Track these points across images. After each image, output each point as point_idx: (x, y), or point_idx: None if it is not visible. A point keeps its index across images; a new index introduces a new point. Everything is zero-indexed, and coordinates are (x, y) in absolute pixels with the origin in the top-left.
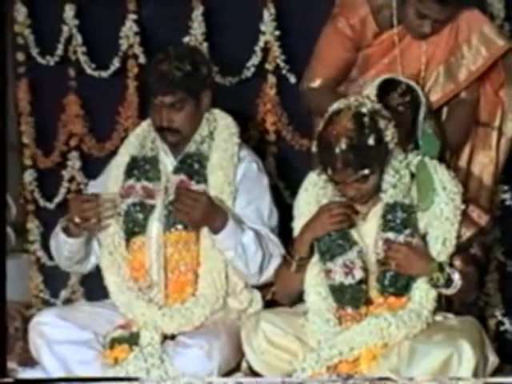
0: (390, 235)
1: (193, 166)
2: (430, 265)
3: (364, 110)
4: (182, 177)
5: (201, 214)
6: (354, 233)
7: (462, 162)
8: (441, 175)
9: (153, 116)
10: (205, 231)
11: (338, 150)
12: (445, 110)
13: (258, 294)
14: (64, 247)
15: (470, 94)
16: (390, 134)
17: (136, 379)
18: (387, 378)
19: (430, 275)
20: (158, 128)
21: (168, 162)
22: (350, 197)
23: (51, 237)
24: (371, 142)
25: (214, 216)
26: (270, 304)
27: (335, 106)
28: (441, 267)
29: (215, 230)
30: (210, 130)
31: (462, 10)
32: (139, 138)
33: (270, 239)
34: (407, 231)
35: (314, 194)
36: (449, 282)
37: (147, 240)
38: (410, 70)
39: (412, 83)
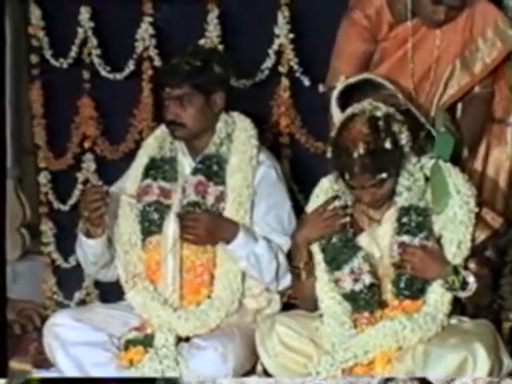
0: (406, 238)
1: (211, 168)
2: (445, 268)
3: (379, 113)
4: (201, 178)
5: (204, 232)
6: (365, 237)
7: (477, 162)
8: (455, 178)
9: (163, 111)
10: None
11: (355, 155)
12: (459, 106)
13: (276, 296)
14: (88, 251)
15: (485, 89)
16: (404, 137)
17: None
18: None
19: (445, 278)
20: (167, 122)
21: (186, 163)
22: (366, 202)
23: (76, 246)
24: (388, 145)
25: (220, 230)
26: (287, 306)
27: (349, 110)
28: (456, 270)
29: (226, 242)
30: (229, 132)
31: (476, 2)
32: (158, 140)
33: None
34: (422, 234)
35: (325, 198)
36: (464, 285)
37: (163, 240)
38: (422, 64)
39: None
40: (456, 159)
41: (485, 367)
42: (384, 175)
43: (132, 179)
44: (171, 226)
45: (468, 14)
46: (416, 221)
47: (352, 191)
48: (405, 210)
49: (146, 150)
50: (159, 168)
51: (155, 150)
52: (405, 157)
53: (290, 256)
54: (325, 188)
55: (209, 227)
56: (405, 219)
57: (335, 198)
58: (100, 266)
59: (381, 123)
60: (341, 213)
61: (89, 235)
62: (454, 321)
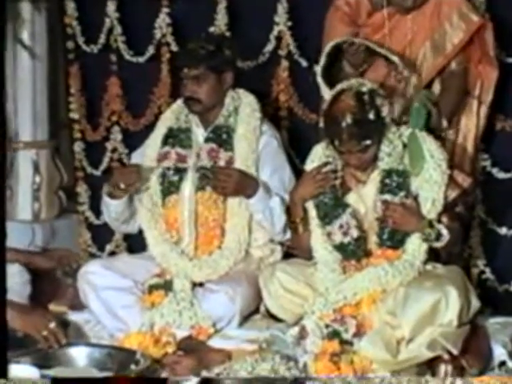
0: (388, 197)
1: (221, 137)
2: (422, 222)
3: (364, 89)
4: (213, 145)
5: (233, 187)
6: (352, 196)
7: (451, 131)
8: (429, 145)
9: (181, 88)
10: None
11: (344, 124)
12: (436, 82)
13: (278, 247)
14: (110, 209)
15: (460, 66)
16: (385, 109)
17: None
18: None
19: (422, 231)
20: (185, 98)
21: (199, 132)
22: (353, 165)
23: (102, 205)
24: (371, 116)
25: (245, 186)
26: (286, 255)
27: (339, 86)
28: (431, 224)
29: (248, 196)
30: (235, 105)
31: None
32: (175, 113)
33: None
34: (402, 193)
35: (322, 157)
36: (438, 237)
37: (180, 199)
38: (397, 47)
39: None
40: (434, 130)
41: (456, 307)
42: (368, 142)
43: (152, 147)
44: (187, 187)
45: (436, 2)
46: (396, 181)
47: (341, 156)
48: (386, 173)
49: (164, 122)
50: (176, 137)
51: (172, 121)
52: (385, 127)
53: (288, 212)
54: (318, 154)
55: (238, 182)
56: (387, 180)
57: (327, 163)
58: (121, 222)
59: (366, 97)
60: (331, 175)
61: (112, 196)
62: (429, 267)
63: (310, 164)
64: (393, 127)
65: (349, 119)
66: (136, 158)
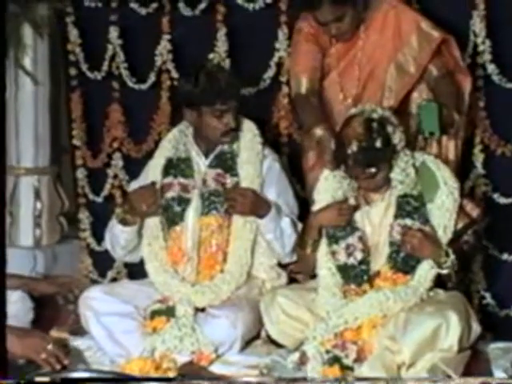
0: (408, 222)
1: (226, 162)
2: (439, 250)
3: (375, 115)
4: (219, 171)
5: (250, 206)
6: (360, 215)
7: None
8: (443, 172)
9: (216, 122)
10: (236, 216)
11: (349, 151)
12: (416, 93)
13: (283, 272)
14: (121, 236)
15: (440, 71)
16: (397, 137)
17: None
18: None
19: (437, 258)
20: (227, 130)
21: (200, 161)
22: (364, 188)
23: (106, 232)
24: (378, 144)
25: (259, 206)
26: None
27: (352, 111)
28: (447, 253)
29: (260, 216)
30: (237, 132)
31: (401, 13)
32: (171, 142)
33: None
34: (420, 219)
35: (332, 183)
36: (453, 265)
37: (184, 228)
38: (363, 71)
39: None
40: (447, 127)
41: (456, 332)
42: (373, 170)
43: (152, 178)
44: (191, 215)
45: (395, 24)
46: (413, 206)
47: (351, 179)
48: (402, 198)
49: (162, 152)
50: (177, 167)
51: (171, 151)
52: (396, 153)
53: (301, 231)
54: (332, 172)
55: (253, 201)
56: (404, 205)
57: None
58: (128, 250)
59: (374, 124)
60: (351, 211)
61: (125, 223)
62: (430, 293)
63: (325, 182)
64: (406, 153)
65: (354, 147)
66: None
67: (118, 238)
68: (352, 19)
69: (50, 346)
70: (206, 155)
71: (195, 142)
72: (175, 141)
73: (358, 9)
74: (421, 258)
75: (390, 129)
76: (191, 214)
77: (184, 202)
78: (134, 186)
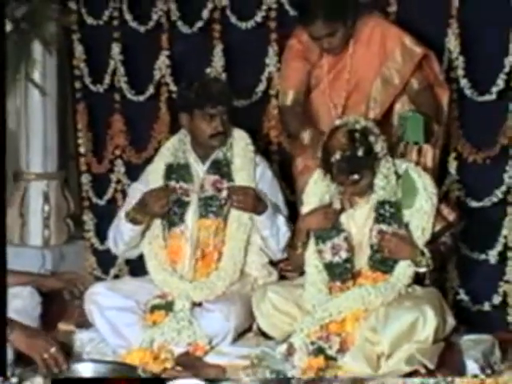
0: (383, 227)
1: (222, 169)
2: (415, 251)
3: (357, 126)
4: (216, 177)
5: (252, 203)
6: (345, 217)
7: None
8: (423, 178)
9: (206, 125)
10: (231, 219)
11: (333, 160)
12: (397, 106)
13: (274, 270)
14: (127, 234)
15: (421, 84)
16: (379, 146)
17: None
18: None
19: (414, 259)
20: (216, 133)
21: (198, 167)
22: (349, 193)
23: (110, 229)
24: (360, 153)
25: (259, 203)
26: (280, 277)
27: (337, 122)
28: (422, 253)
29: (259, 213)
30: (230, 141)
31: (386, 31)
32: (170, 150)
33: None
34: (396, 223)
35: (320, 186)
36: (428, 264)
37: (184, 229)
38: (350, 83)
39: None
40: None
41: (432, 325)
42: (356, 177)
43: (154, 182)
44: (190, 217)
45: (380, 40)
46: (390, 212)
47: (337, 184)
48: (380, 204)
49: (162, 159)
50: (177, 172)
51: (170, 158)
52: (379, 161)
53: (292, 234)
54: (321, 176)
55: (255, 198)
56: (381, 211)
57: (331, 204)
58: (130, 247)
59: (357, 135)
60: (336, 215)
61: (135, 222)
62: (409, 288)
63: (314, 185)
64: (388, 160)
65: (338, 155)
66: (135, 192)
67: (123, 234)
68: (343, 34)
69: (53, 349)
70: (203, 162)
71: (193, 149)
72: (174, 148)
73: (349, 25)
74: (398, 260)
75: (372, 138)
76: (190, 216)
77: (184, 204)
78: (134, 191)
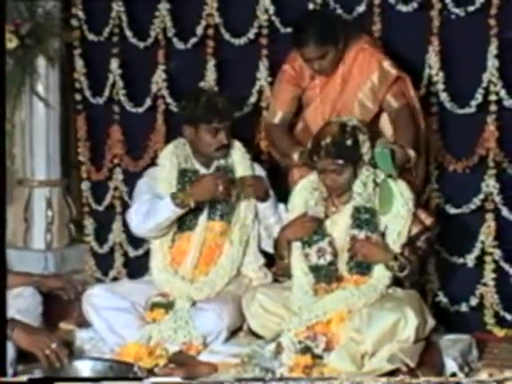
0: (355, 232)
1: (227, 175)
2: (388, 255)
3: (350, 123)
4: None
5: (263, 190)
6: (329, 221)
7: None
8: (400, 186)
9: (212, 139)
10: (235, 220)
11: (323, 143)
12: (382, 119)
13: (269, 272)
14: (166, 215)
15: (399, 102)
16: (365, 147)
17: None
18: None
19: (387, 263)
20: (221, 146)
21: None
22: (328, 186)
23: (141, 204)
24: (349, 142)
25: (266, 191)
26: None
27: (332, 119)
28: (395, 257)
29: (264, 200)
30: (229, 151)
31: (366, 52)
32: (175, 155)
33: None
34: (369, 229)
35: (304, 195)
36: (401, 268)
37: (193, 234)
38: (335, 101)
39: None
40: (404, 164)
41: (413, 325)
42: (341, 161)
43: (165, 187)
44: (201, 220)
45: (362, 64)
46: (364, 218)
47: (319, 176)
48: (356, 210)
49: (172, 164)
50: (189, 177)
51: (176, 164)
52: (362, 162)
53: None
54: (304, 186)
55: (264, 186)
56: (356, 215)
57: (306, 213)
58: (160, 229)
59: (349, 128)
60: (313, 223)
61: (182, 205)
62: (390, 290)
63: (298, 194)
64: (368, 169)
65: (328, 139)
66: (147, 184)
67: (160, 213)
68: (333, 57)
69: (54, 345)
70: (207, 167)
71: (194, 157)
72: (176, 155)
73: (339, 48)
74: (373, 263)
75: (361, 137)
76: (201, 219)
77: (197, 208)
78: (144, 182)
